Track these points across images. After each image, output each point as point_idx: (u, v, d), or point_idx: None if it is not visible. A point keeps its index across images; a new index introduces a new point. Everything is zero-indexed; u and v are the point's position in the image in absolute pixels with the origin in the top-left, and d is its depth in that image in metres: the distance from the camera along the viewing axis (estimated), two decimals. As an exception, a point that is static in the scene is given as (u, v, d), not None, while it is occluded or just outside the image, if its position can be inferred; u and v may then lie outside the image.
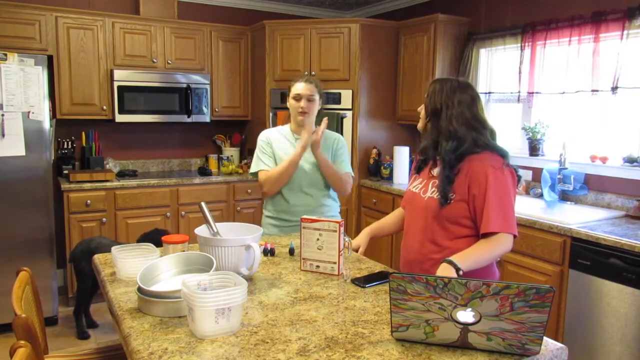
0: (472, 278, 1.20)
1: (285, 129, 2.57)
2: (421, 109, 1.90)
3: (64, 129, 4.17)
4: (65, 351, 2.75)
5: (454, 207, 1.76)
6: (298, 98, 2.43)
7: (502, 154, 1.80)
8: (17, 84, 3.29)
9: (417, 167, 1.98)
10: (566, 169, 3.21)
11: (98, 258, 1.97)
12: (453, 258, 1.65)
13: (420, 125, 1.92)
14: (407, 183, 2.07)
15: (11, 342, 1.25)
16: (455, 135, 1.77)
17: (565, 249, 2.66)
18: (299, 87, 2.43)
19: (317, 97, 2.46)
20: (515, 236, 1.74)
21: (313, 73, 4.18)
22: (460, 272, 1.60)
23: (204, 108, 4.39)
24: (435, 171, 1.86)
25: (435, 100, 1.82)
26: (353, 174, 2.60)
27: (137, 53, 4.15)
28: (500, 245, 1.70)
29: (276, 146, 2.52)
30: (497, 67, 3.89)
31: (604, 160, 3.13)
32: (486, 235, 1.72)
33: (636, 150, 3.03)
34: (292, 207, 2.49)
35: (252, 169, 2.55)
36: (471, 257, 1.67)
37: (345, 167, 2.56)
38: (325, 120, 2.41)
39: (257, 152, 2.54)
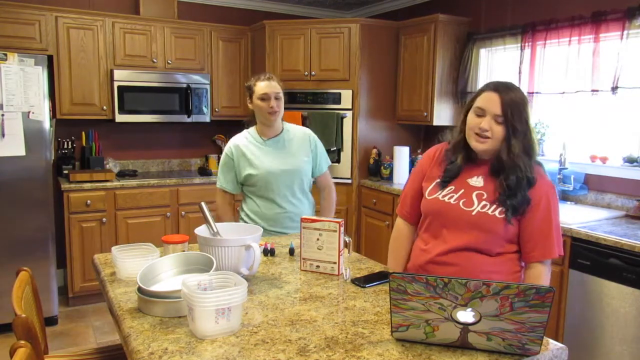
0: (472, 278, 1.20)
1: (252, 133, 2.47)
2: (489, 125, 1.61)
3: (64, 129, 4.17)
4: (65, 351, 2.75)
5: (514, 226, 1.66)
6: (266, 98, 2.33)
7: (541, 165, 1.71)
8: (17, 84, 3.30)
9: (446, 181, 1.75)
10: (566, 169, 3.21)
11: (98, 258, 1.97)
12: None
13: (487, 146, 1.64)
14: (407, 185, 1.96)
15: (11, 342, 1.25)
16: (535, 150, 1.65)
17: (565, 249, 2.66)
18: (263, 87, 2.33)
19: (281, 94, 2.37)
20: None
21: (313, 73, 4.18)
22: None
23: (204, 108, 4.39)
24: (474, 181, 1.71)
25: (522, 116, 1.61)
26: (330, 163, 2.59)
27: (137, 53, 4.15)
28: (550, 267, 1.69)
29: (247, 152, 2.42)
30: (497, 67, 3.90)
31: (604, 160, 3.14)
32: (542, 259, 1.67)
33: (636, 150, 3.03)
34: (265, 213, 2.44)
35: (217, 183, 2.49)
36: None
37: (327, 163, 2.56)
38: None
39: (221, 164, 2.48)
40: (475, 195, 1.69)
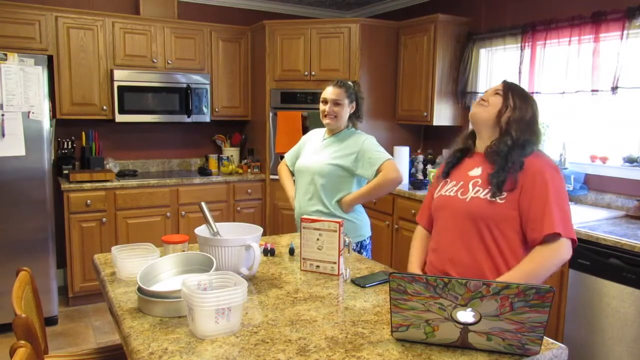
0: (472, 278, 1.20)
1: (324, 129, 2.62)
2: (492, 97, 1.75)
3: (64, 129, 4.17)
4: (65, 351, 2.75)
5: (505, 206, 1.63)
6: (324, 101, 2.46)
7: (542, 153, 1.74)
8: (17, 84, 3.29)
9: (445, 172, 1.86)
10: (566, 169, 3.21)
11: (98, 258, 1.97)
12: (501, 279, 1.55)
13: (485, 115, 1.75)
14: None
15: (11, 342, 1.25)
16: (530, 142, 1.69)
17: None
18: (326, 91, 2.47)
19: (345, 101, 2.44)
20: (574, 242, 1.61)
21: (313, 73, 4.18)
22: None
23: (204, 108, 4.39)
24: (474, 171, 1.76)
25: (523, 103, 1.72)
26: (389, 159, 2.37)
27: (137, 53, 4.15)
28: (560, 252, 1.56)
29: (307, 143, 2.64)
30: (497, 67, 3.90)
31: (604, 160, 3.14)
32: (544, 240, 1.58)
33: (636, 150, 3.03)
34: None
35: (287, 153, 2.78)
36: (525, 272, 1.56)
37: (372, 172, 2.38)
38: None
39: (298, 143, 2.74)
40: (472, 183, 1.75)
